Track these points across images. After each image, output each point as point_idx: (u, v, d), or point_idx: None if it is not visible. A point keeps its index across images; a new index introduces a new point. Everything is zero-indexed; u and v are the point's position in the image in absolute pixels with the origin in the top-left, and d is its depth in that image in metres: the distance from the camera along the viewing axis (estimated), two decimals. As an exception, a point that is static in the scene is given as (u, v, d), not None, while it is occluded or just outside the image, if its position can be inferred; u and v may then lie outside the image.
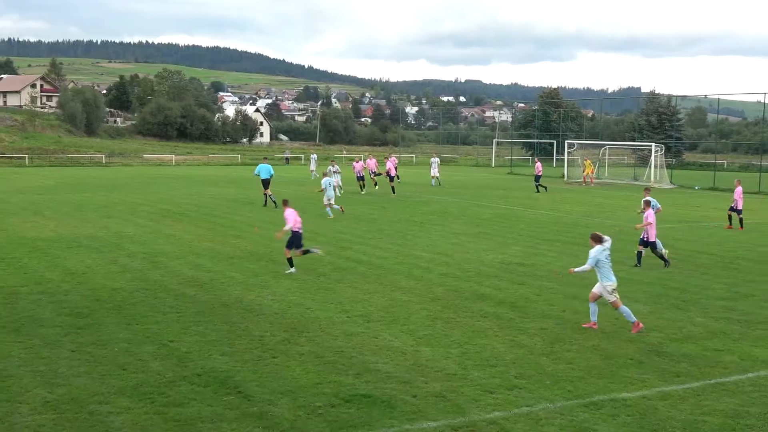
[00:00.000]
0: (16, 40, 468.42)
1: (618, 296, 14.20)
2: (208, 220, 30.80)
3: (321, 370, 11.47)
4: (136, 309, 15.23)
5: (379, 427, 9.32)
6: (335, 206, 32.58)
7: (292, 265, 19.52)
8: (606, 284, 14.13)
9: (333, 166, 43.19)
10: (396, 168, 48.42)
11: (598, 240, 14.39)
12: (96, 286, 17.43)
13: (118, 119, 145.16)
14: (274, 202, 35.08)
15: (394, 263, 21.09)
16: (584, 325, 14.29)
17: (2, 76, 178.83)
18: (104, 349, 12.41)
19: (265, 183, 37.23)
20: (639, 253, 21.35)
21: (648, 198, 22.69)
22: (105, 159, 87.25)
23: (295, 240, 19.53)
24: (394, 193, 43.14)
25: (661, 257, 21.22)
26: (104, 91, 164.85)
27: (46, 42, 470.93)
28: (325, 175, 35.51)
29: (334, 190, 35.41)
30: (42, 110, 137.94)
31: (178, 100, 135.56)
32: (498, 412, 9.87)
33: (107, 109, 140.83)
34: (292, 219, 19.38)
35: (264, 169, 37.49)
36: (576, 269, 14.74)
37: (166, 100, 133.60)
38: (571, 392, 10.73)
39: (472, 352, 12.61)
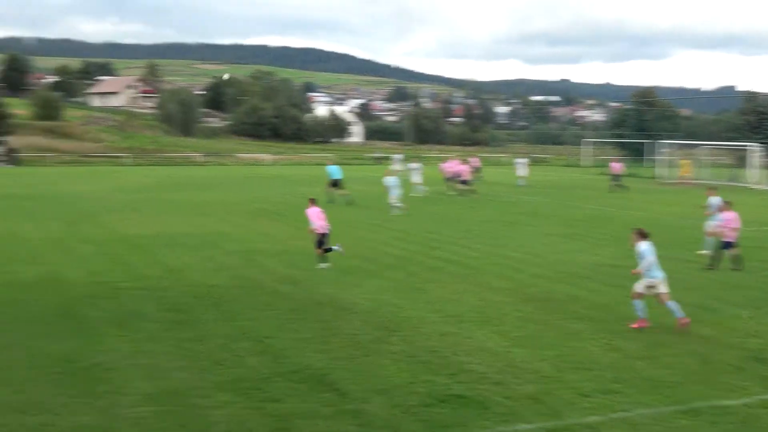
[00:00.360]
0: (116, 43, 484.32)
1: (643, 292, 14.15)
2: (301, 219, 31.13)
3: (414, 370, 11.53)
4: (232, 306, 15.57)
5: (473, 428, 9.33)
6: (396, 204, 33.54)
7: (326, 257, 20.21)
8: (649, 280, 14.04)
9: (414, 164, 43.66)
10: (477, 170, 48.37)
11: (645, 235, 14.36)
12: (194, 282, 17.88)
13: (213, 119, 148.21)
14: (333, 201, 36.48)
15: (485, 263, 21.01)
16: (680, 324, 13.98)
17: (103, 78, 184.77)
18: (203, 344, 12.73)
19: (336, 183, 38.30)
20: (737, 257, 20.75)
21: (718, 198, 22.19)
22: (201, 158, 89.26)
23: (319, 240, 20.25)
24: (458, 193, 42.57)
25: (714, 260, 20.71)
26: (200, 92, 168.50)
27: (144, 44, 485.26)
28: (388, 174, 35.78)
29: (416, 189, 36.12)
30: (140, 111, 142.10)
31: (270, 101, 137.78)
32: (594, 417, 9.75)
33: (202, 110, 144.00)
34: (314, 218, 20.33)
35: (334, 171, 38.75)
36: (639, 269, 14.43)
37: (259, 101, 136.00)
38: (669, 398, 10.52)
39: (566, 354, 12.48)
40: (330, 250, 20.44)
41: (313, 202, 21.03)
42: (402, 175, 40.05)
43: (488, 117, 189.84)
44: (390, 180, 34.31)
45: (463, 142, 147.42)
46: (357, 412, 9.77)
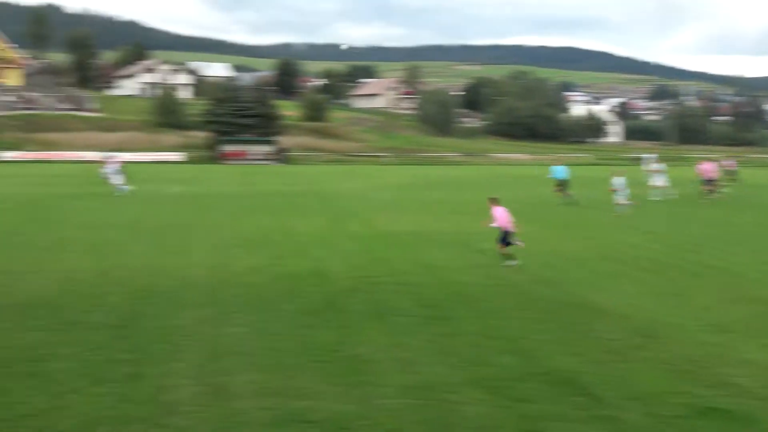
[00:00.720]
0: (378, 46, 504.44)
1: None
2: (554, 219, 30.92)
3: (672, 379, 11.08)
4: (485, 304, 15.71)
5: (736, 444, 8.85)
6: (624, 205, 33.41)
7: (512, 259, 20.04)
8: None
9: (657, 165, 42.47)
10: (731, 173, 45.85)
11: None
12: (448, 279, 18.22)
13: (470, 120, 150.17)
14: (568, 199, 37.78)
15: (751, 270, 19.70)
16: None
17: (366, 80, 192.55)
18: (456, 340, 12.95)
19: (563, 183, 38.55)
20: None
21: None
22: (458, 158, 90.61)
23: (504, 236, 20.12)
24: (706, 197, 40.47)
25: None
26: (457, 93, 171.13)
27: (405, 47, 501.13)
28: (616, 174, 34.96)
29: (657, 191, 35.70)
30: (400, 112, 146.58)
31: (526, 101, 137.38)
32: None
33: (459, 110, 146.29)
34: (500, 216, 20.13)
35: (559, 171, 38.82)
36: None
37: (515, 101, 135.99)
38: None
39: None
40: (509, 243, 20.42)
41: (495, 201, 20.92)
42: (645, 176, 39.50)
43: (759, 116, 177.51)
44: (618, 180, 33.94)
45: (729, 142, 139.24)
46: (610, 419, 9.55)
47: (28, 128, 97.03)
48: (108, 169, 43.21)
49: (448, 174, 64.64)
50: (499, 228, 20.33)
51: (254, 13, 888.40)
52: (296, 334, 13.19)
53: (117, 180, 41.44)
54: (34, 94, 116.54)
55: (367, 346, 12.56)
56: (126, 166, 44.10)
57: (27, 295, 15.86)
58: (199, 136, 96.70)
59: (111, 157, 46.01)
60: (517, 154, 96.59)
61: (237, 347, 12.39)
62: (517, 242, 20.67)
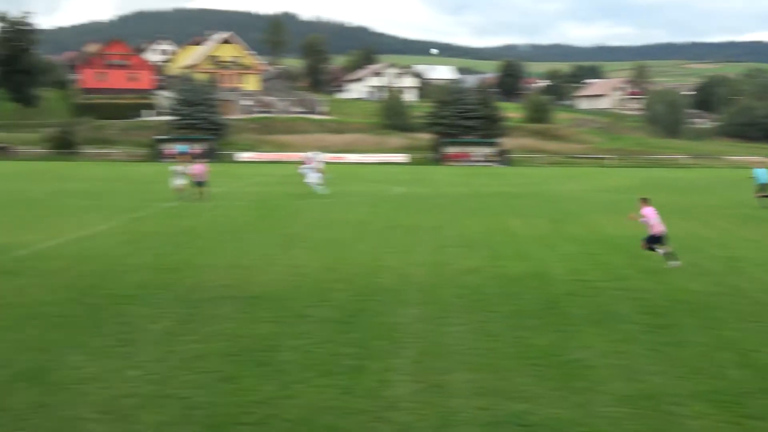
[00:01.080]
0: (604, 45, 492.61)
1: None
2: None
3: None
4: (714, 313, 14.95)
5: None
6: None
7: (674, 259, 19.49)
8: None
9: None
10: None
11: None
12: (674, 286, 17.49)
13: (701, 120, 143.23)
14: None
15: None
16: None
17: (591, 81, 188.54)
18: (681, 350, 12.42)
19: (765, 187, 37.27)
20: None
21: None
22: (686, 160, 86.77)
23: (651, 239, 19.51)
24: None
25: None
26: (689, 92, 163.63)
27: (633, 46, 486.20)
28: None
29: None
30: (627, 113, 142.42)
31: (764, 100, 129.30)
32: None
33: (690, 111, 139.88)
34: (651, 217, 19.54)
35: (762, 174, 37.57)
36: None
37: (751, 100, 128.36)
38: None
39: None
40: (653, 249, 19.75)
41: (646, 201, 20.13)
42: None
43: None
44: None
45: None
46: None
47: (263, 130, 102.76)
48: (306, 167, 43.75)
49: (675, 176, 62.05)
50: (647, 228, 19.82)
51: (479, 16, 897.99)
52: (514, 335, 13.16)
53: (313, 179, 42.18)
54: (270, 98, 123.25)
55: (586, 351, 12.32)
56: (326, 166, 44.89)
57: (258, 288, 16.84)
58: (423, 137, 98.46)
59: (312, 156, 46.23)
60: (752, 157, 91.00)
61: (454, 346, 12.53)
62: (659, 250, 19.78)
